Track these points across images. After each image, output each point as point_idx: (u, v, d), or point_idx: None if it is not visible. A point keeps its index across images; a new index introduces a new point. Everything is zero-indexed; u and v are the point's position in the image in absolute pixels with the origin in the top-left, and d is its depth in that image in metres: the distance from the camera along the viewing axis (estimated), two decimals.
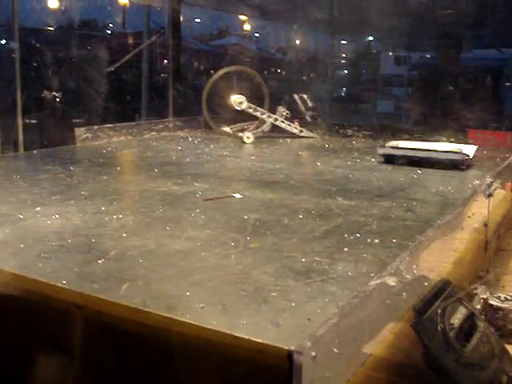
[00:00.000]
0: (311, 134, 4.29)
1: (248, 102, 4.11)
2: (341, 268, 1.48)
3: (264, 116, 4.16)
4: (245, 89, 4.32)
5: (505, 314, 1.69)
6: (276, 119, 4.17)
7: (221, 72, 4.36)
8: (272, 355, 0.79)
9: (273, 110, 4.26)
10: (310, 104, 4.59)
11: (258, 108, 4.17)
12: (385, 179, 2.72)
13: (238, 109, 4.08)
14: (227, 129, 4.38)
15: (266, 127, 4.20)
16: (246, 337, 0.84)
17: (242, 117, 4.36)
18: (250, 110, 4.13)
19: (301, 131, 4.24)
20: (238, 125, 4.43)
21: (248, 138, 3.93)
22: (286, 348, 0.79)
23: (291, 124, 4.23)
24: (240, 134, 4.06)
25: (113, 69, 5.39)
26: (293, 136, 4.21)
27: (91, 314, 0.95)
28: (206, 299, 1.28)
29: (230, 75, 4.57)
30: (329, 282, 1.38)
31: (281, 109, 4.22)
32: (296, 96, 4.65)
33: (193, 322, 0.87)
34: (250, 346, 0.82)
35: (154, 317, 0.89)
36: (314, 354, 0.79)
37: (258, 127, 4.22)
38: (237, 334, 0.84)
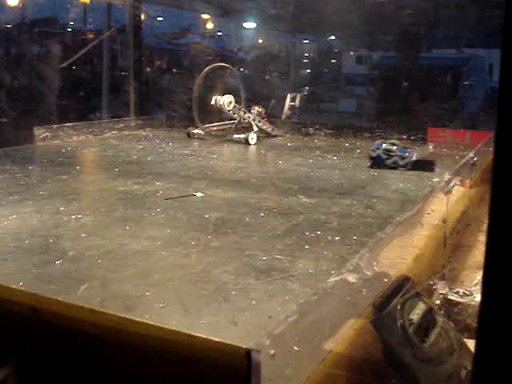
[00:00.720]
0: (281, 133, 4.30)
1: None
2: (301, 266, 1.48)
3: (246, 116, 4.05)
4: (220, 87, 4.25)
5: (464, 309, 1.71)
6: (254, 119, 4.07)
7: (208, 69, 4.19)
8: (230, 354, 0.78)
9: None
10: (297, 104, 4.54)
11: (242, 108, 4.06)
12: (346, 177, 2.74)
13: (228, 109, 3.91)
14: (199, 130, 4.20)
15: (255, 127, 4.08)
16: (204, 336, 0.83)
17: (211, 116, 4.30)
18: (235, 110, 3.99)
19: (273, 130, 4.23)
20: (215, 124, 4.25)
21: (252, 138, 3.85)
22: (243, 347, 0.78)
23: (266, 123, 4.19)
24: (238, 136, 3.89)
25: (65, 65, 5.27)
26: (263, 135, 4.15)
27: (47, 316, 0.93)
28: (165, 299, 1.27)
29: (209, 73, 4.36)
30: (289, 280, 1.38)
31: (258, 108, 4.12)
32: (289, 95, 4.53)
33: (149, 322, 0.85)
34: (208, 345, 0.81)
35: (110, 317, 0.88)
36: (272, 352, 0.78)
37: (236, 127, 4.12)
38: (194, 334, 0.83)
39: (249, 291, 1.31)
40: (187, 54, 8.18)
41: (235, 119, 4.06)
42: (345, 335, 1.19)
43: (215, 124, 4.22)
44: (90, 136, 4.11)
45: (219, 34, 9.39)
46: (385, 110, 5.76)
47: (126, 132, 4.39)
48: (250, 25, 8.59)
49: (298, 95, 4.56)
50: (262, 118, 4.13)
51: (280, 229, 1.83)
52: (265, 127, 4.15)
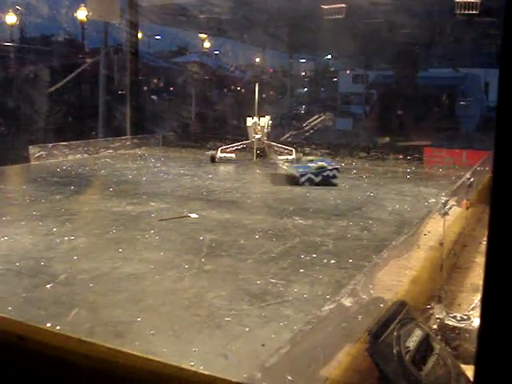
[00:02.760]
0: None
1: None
2: (296, 290, 1.46)
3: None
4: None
5: (461, 334, 1.68)
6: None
7: None
8: None
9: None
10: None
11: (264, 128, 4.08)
12: (342, 198, 2.72)
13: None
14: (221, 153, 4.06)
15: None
16: (193, 369, 0.80)
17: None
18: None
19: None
20: (226, 146, 4.12)
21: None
22: (234, 380, 0.75)
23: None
24: (284, 158, 3.79)
25: (53, 89, 5.21)
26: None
27: (34, 346, 0.91)
28: (157, 325, 1.24)
29: None
30: (284, 306, 1.36)
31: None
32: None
33: (138, 354, 0.83)
34: (199, 378, 0.79)
35: (98, 348, 0.85)
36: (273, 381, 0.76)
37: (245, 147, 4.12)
38: (184, 366, 0.80)
39: (242, 317, 1.28)
40: (184, 73, 8.18)
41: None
42: (341, 361, 1.16)
43: (225, 147, 4.14)
44: (86, 155, 4.10)
45: (216, 52, 9.41)
46: (381, 129, 5.76)
47: (121, 151, 4.38)
48: (247, 44, 8.61)
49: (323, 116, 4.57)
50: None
51: (275, 251, 1.80)
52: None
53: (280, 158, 3.83)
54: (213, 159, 3.96)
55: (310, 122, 4.53)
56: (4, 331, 0.95)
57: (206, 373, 0.78)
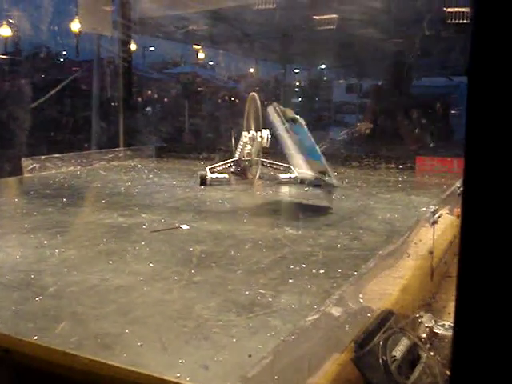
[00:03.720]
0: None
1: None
2: (284, 300, 1.46)
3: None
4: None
5: (449, 342, 1.68)
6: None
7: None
8: None
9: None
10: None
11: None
12: (333, 207, 2.73)
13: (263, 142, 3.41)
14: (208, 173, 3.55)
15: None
16: (176, 380, 0.81)
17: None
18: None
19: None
20: (214, 166, 3.64)
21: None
22: None
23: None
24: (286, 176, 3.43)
25: (35, 105, 5.16)
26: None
27: (19, 358, 0.91)
28: (145, 337, 1.24)
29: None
30: (271, 316, 1.36)
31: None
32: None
33: (121, 366, 0.83)
34: None
35: (82, 360, 0.85)
36: None
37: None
38: (166, 377, 0.81)
39: (230, 328, 1.29)
40: (178, 84, 8.20)
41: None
42: (328, 370, 1.17)
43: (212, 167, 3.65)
44: (79, 167, 4.10)
45: (210, 63, 9.44)
46: (374, 138, 5.78)
47: (114, 162, 4.39)
48: (240, 55, 8.65)
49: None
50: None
51: (264, 262, 1.81)
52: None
53: (282, 176, 3.48)
54: (203, 182, 3.47)
55: (349, 132, 4.50)
56: None
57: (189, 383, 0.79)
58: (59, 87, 5.49)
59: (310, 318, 1.05)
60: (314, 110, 9.50)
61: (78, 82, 6.49)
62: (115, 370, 0.85)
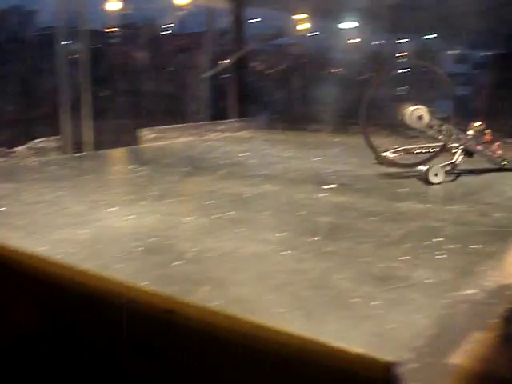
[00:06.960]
0: None
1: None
2: (420, 274, 1.45)
3: (453, 137, 2.74)
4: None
5: None
6: (465, 143, 2.77)
7: (391, 70, 3.16)
8: (371, 366, 0.77)
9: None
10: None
11: (446, 126, 2.71)
12: (457, 183, 2.64)
13: (417, 127, 2.67)
14: (389, 154, 2.92)
15: (459, 158, 2.76)
16: (342, 346, 0.82)
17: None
18: (433, 130, 2.70)
19: (503, 160, 2.86)
20: (402, 148, 2.98)
21: (436, 175, 2.61)
22: (383, 359, 0.77)
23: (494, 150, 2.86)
24: (421, 168, 2.68)
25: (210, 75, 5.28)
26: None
27: (182, 320, 0.96)
28: (286, 304, 1.27)
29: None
30: (410, 289, 1.35)
31: (475, 127, 2.84)
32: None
33: (282, 329, 0.86)
34: (345, 355, 0.81)
35: (243, 323, 0.89)
36: (415, 365, 0.77)
37: (435, 154, 2.79)
38: (333, 344, 0.83)
39: (369, 299, 1.29)
40: (285, 55, 8.18)
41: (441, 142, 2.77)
42: (472, 349, 1.16)
43: (402, 148, 2.99)
44: (193, 138, 4.21)
45: (315, 34, 9.34)
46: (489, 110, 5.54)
47: (228, 134, 4.46)
48: (347, 24, 8.50)
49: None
50: (487, 142, 2.83)
51: (393, 235, 1.80)
52: (490, 154, 2.84)
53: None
54: (383, 161, 2.88)
55: None
56: (154, 305, 1.01)
57: (356, 351, 0.80)
58: (232, 60, 5.54)
59: (459, 293, 1.04)
60: (418, 81, 9.20)
61: (186, 54, 6.60)
62: (275, 333, 0.87)
